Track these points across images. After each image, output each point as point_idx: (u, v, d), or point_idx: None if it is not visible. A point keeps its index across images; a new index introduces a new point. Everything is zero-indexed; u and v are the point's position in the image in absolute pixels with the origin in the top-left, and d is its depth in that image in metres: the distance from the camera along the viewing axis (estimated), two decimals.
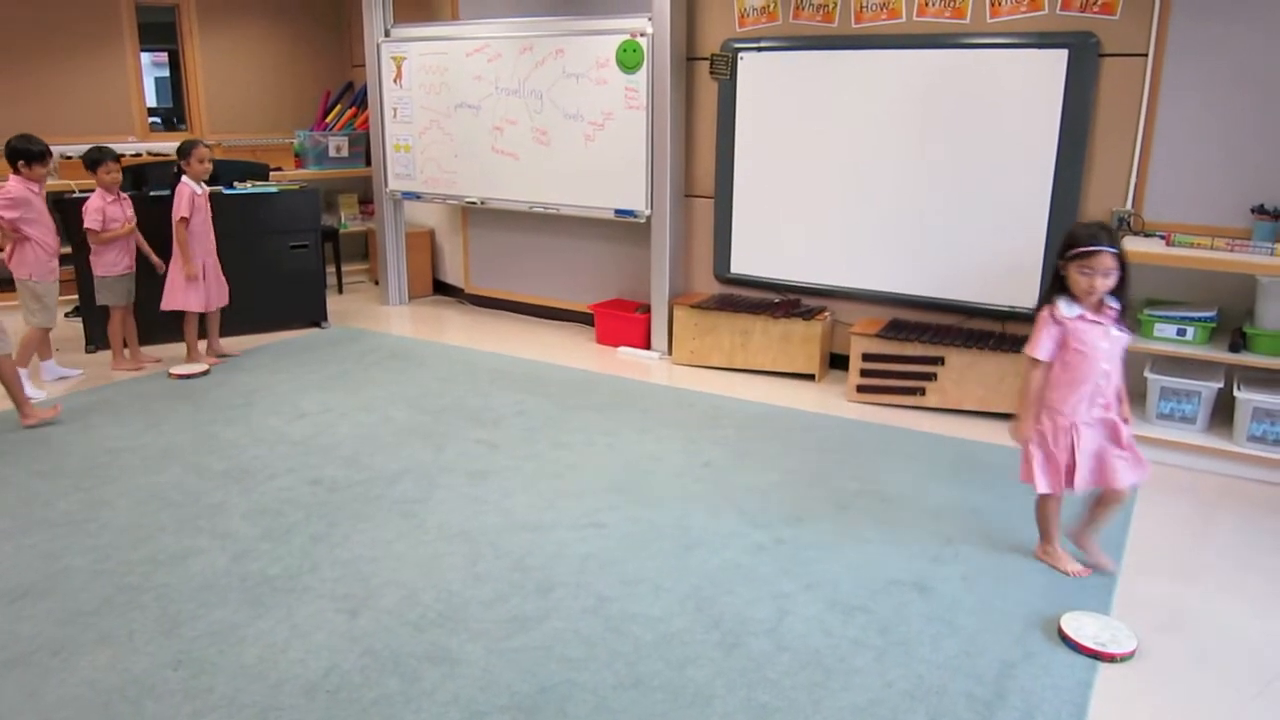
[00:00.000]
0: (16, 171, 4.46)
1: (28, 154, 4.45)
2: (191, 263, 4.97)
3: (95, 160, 4.79)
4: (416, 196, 6.49)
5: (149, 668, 2.44)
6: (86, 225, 4.80)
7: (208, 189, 5.09)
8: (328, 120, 7.69)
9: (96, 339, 5.25)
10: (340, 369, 5.11)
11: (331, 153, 7.36)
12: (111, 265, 4.94)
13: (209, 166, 5.00)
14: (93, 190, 4.87)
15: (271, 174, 6.44)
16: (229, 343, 5.42)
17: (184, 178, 4.93)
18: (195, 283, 5.02)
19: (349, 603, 2.76)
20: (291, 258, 5.87)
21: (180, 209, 4.89)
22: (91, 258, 4.93)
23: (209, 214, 5.08)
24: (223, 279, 5.21)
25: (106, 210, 4.84)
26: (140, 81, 7.01)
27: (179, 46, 7.27)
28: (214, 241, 5.14)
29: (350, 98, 7.74)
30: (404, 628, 2.63)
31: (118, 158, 4.93)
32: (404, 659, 2.48)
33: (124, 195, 4.99)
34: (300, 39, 7.82)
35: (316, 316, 6.06)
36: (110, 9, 6.77)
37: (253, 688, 2.36)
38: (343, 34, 8.03)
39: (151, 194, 5.32)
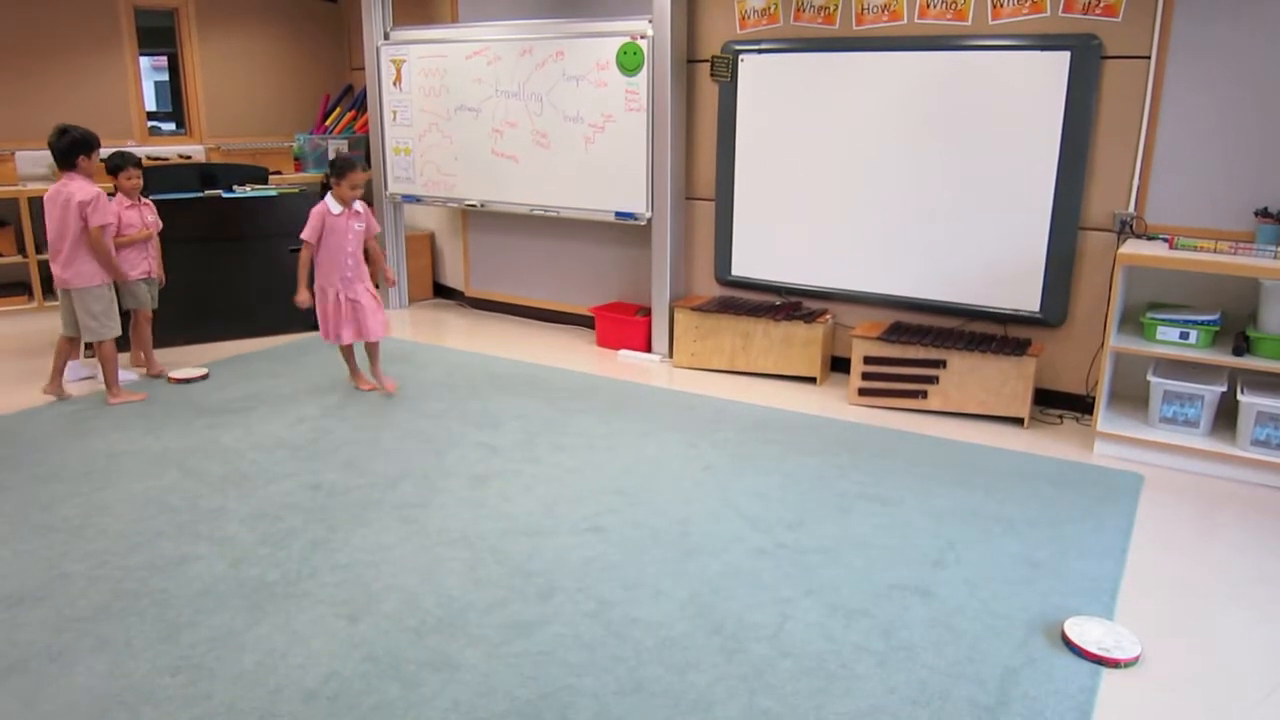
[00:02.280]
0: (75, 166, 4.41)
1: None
2: (304, 289, 4.54)
3: (117, 166, 4.80)
4: (416, 199, 6.48)
5: (147, 674, 2.42)
6: None
7: (361, 208, 4.56)
8: (327, 123, 7.68)
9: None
10: (340, 373, 5.09)
11: (331, 156, 7.36)
12: (129, 269, 4.92)
13: (359, 192, 4.50)
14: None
15: (271, 177, 6.43)
16: (222, 347, 5.39)
17: (328, 195, 4.51)
18: (321, 310, 4.55)
19: (348, 608, 2.74)
20: (291, 261, 5.77)
21: (307, 227, 4.47)
22: None
23: (351, 235, 4.49)
24: (374, 307, 4.60)
25: (123, 215, 4.84)
26: (139, 85, 7.01)
27: (178, 50, 7.27)
28: (355, 267, 4.53)
29: (350, 101, 7.74)
30: (404, 633, 2.61)
31: (140, 163, 4.91)
32: (404, 665, 2.47)
33: (145, 201, 4.97)
34: (299, 42, 7.82)
35: (316, 320, 6.02)
36: (109, 13, 6.77)
37: (251, 694, 2.34)
38: (342, 37, 8.03)
39: (151, 198, 5.31)
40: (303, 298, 4.54)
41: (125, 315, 4.99)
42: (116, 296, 4.88)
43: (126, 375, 4.86)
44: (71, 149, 4.30)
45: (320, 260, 4.53)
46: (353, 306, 4.58)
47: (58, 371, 4.63)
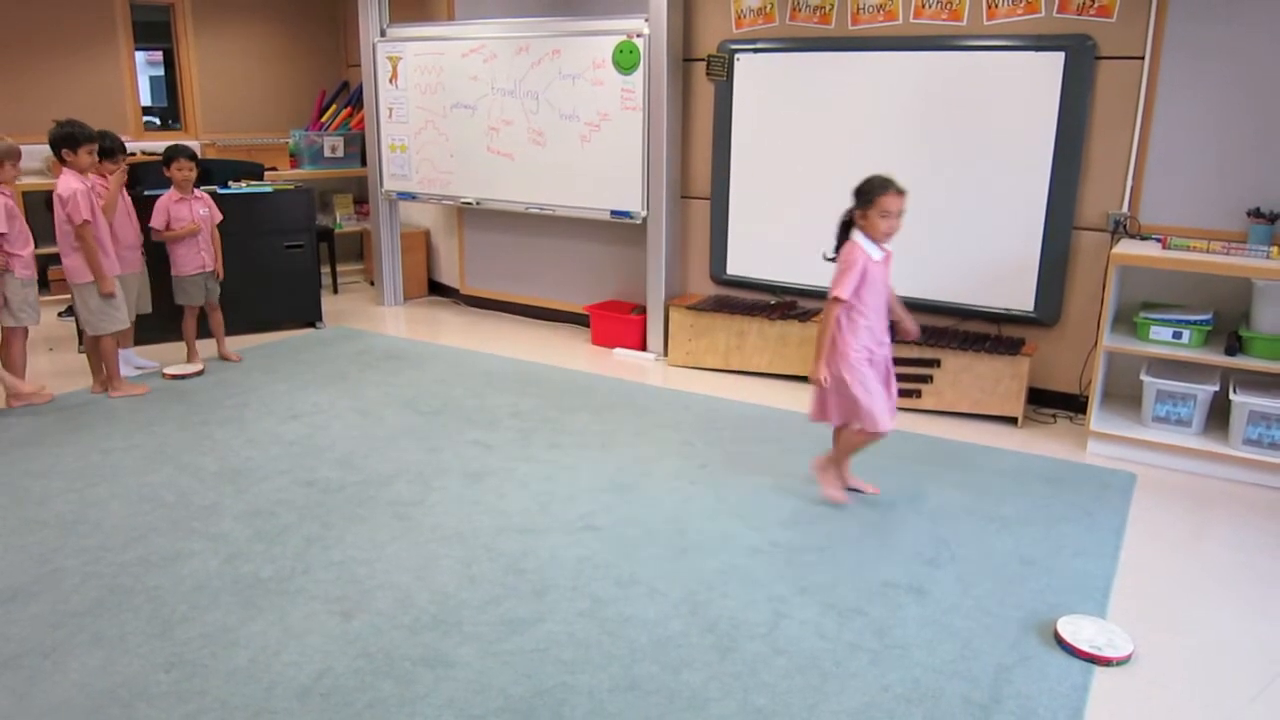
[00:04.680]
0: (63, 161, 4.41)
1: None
2: (824, 365, 3.28)
3: (169, 157, 4.82)
4: (412, 197, 6.47)
5: (141, 670, 2.42)
6: (150, 224, 4.85)
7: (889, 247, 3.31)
8: (323, 120, 7.67)
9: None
10: (335, 370, 5.09)
11: (327, 152, 7.34)
12: (181, 265, 4.93)
13: (893, 223, 3.24)
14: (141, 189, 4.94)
15: (266, 174, 6.42)
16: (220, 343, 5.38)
17: (857, 234, 3.26)
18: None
19: (342, 605, 2.74)
20: (286, 258, 5.85)
21: (844, 281, 3.21)
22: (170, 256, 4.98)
23: (883, 287, 3.29)
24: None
25: (171, 209, 4.85)
26: (134, 80, 6.99)
27: (174, 45, 7.25)
28: (884, 329, 3.37)
29: (346, 97, 7.72)
30: (398, 630, 2.61)
31: (193, 155, 4.90)
32: (398, 662, 2.47)
33: (200, 194, 4.98)
34: (296, 38, 7.80)
35: (311, 317, 6.03)
36: (104, 7, 6.74)
37: (245, 690, 2.34)
38: (338, 33, 8.01)
39: (145, 193, 5.30)
40: (823, 374, 3.29)
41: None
42: (174, 289, 4.93)
43: (126, 371, 4.84)
44: (54, 144, 4.32)
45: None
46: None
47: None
